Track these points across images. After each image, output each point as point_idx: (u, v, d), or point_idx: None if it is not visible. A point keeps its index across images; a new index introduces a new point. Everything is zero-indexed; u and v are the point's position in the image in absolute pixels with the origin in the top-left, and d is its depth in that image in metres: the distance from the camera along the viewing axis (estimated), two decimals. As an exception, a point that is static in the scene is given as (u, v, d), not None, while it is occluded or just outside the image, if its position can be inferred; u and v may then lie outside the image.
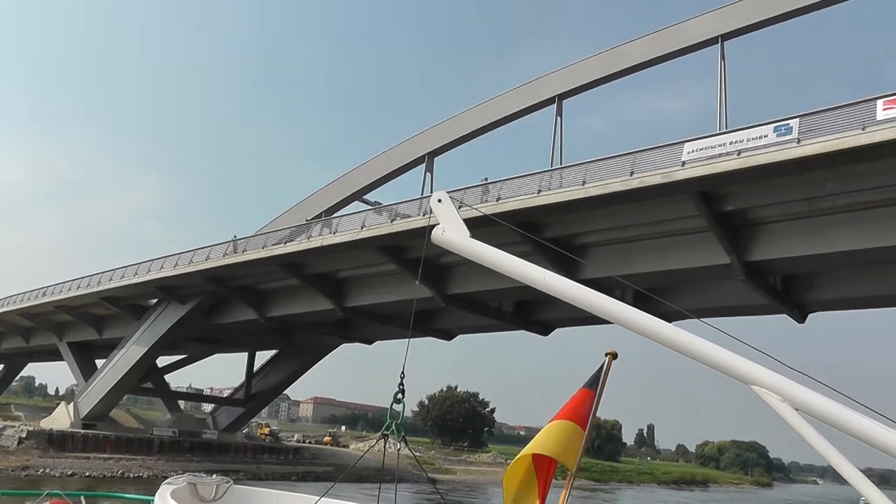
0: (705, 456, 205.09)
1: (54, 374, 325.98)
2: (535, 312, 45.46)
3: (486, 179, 36.33)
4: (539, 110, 41.17)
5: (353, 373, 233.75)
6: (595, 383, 5.33)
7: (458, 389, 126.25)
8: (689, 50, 36.06)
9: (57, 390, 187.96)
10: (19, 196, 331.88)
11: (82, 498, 9.20)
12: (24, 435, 58.66)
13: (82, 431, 61.64)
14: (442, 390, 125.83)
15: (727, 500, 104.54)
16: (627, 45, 38.47)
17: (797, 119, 26.02)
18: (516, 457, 5.31)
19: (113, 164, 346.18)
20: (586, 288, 4.82)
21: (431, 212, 5.44)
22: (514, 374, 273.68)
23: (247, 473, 59.98)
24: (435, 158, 43.97)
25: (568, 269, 29.21)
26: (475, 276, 38.45)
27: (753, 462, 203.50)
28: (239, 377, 73.85)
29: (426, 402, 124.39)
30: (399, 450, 5.59)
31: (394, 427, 5.20)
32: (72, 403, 66.03)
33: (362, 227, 38.97)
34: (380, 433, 5.40)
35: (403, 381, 5.11)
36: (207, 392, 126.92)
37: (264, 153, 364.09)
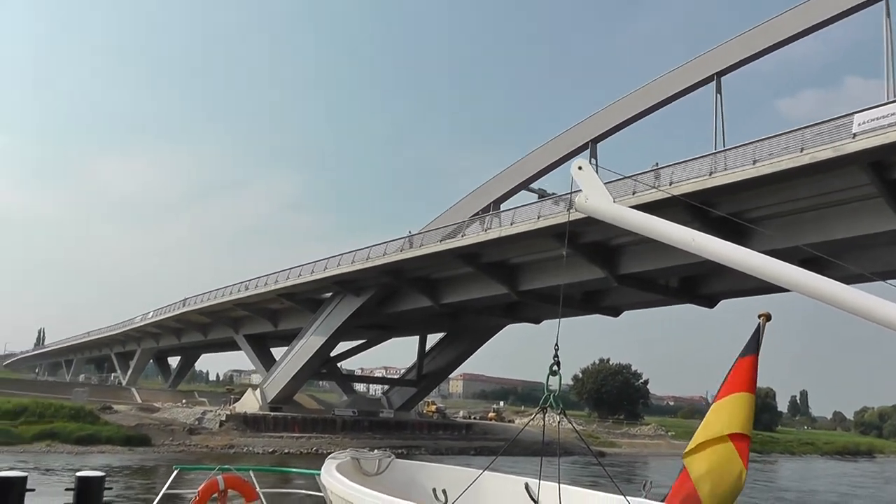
0: (866, 423, 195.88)
1: (210, 363, 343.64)
2: (701, 286, 46.84)
3: (657, 164, 38.05)
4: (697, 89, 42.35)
5: (499, 349, 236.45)
6: (755, 348, 5.13)
7: (610, 362, 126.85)
8: (850, 12, 35.98)
9: (218, 376, 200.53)
10: (155, 201, 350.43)
11: (251, 472, 9.49)
12: (223, 418, 64.82)
13: (272, 414, 67.25)
14: (594, 363, 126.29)
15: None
16: (779, 17, 38.91)
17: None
18: (710, 438, 5.03)
19: (242, 164, 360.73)
20: (737, 246, 4.72)
21: (572, 180, 5.24)
22: (658, 345, 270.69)
23: (427, 449, 64.15)
24: (598, 144, 45.72)
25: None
26: (647, 255, 40.44)
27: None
28: (387, 359, 77.72)
29: (580, 375, 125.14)
30: (559, 423, 5.41)
31: (551, 400, 5.12)
32: (258, 389, 71.46)
33: (539, 217, 41.26)
34: (538, 407, 5.36)
35: (558, 354, 5.00)
36: (358, 373, 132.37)
37: (402, 140, 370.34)
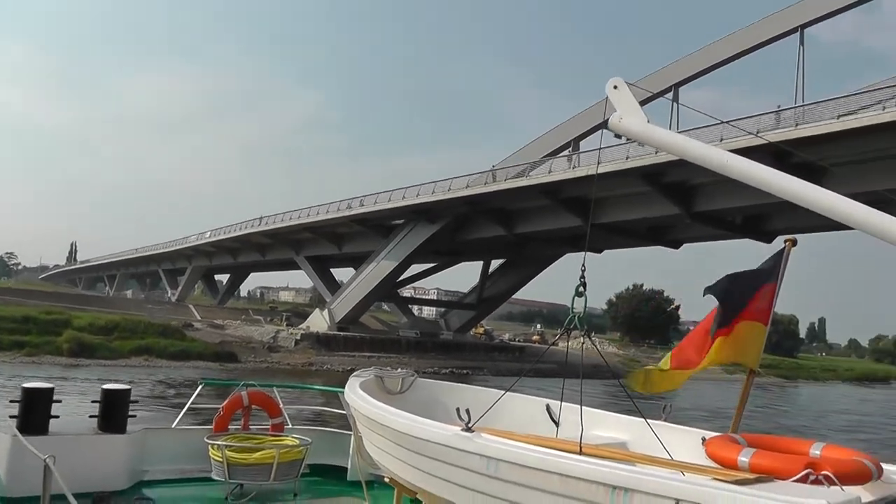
0: (880, 350, 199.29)
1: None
2: (764, 223, 49.87)
3: (780, 106, 41.86)
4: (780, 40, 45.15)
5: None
6: (773, 275, 5.12)
7: (644, 287, 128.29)
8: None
9: (249, 293, 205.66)
10: (172, 118, 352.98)
11: (275, 389, 9.65)
12: (298, 337, 69.11)
13: (342, 334, 71.67)
14: (628, 288, 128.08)
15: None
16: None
17: None
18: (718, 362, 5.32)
19: (267, 81, 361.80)
20: (771, 169, 4.46)
21: (607, 99, 5.11)
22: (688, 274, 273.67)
23: (491, 370, 67.97)
24: (680, 89, 48.58)
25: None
26: (721, 194, 43.76)
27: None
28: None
29: (614, 300, 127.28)
30: (583, 345, 5.12)
31: (576, 321, 4.86)
32: (326, 310, 75.49)
33: (627, 158, 44.22)
34: (562, 328, 5.09)
35: (584, 274, 4.78)
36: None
37: (423, 60, 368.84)
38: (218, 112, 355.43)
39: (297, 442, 8.26)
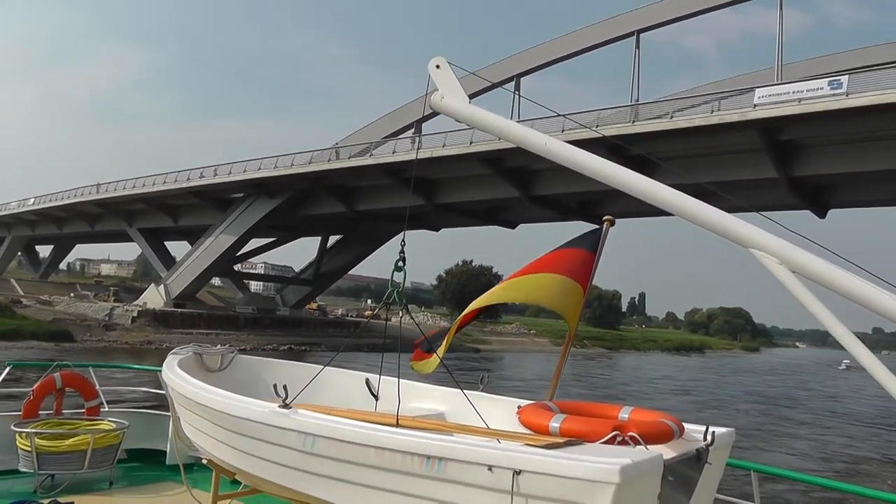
0: (695, 323, 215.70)
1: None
2: (597, 208, 52.68)
3: (637, 100, 44.58)
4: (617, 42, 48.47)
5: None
6: (593, 246, 5.16)
7: (474, 264, 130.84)
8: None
9: (68, 266, 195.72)
10: None
11: (91, 369, 9.10)
12: (135, 314, 67.42)
13: (180, 310, 70.25)
14: (458, 265, 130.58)
15: (735, 365, 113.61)
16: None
17: (847, 76, 34.12)
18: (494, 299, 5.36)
19: (80, 35, 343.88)
20: (591, 154, 4.43)
21: (430, 78, 4.94)
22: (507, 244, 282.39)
23: (327, 346, 67.97)
24: (522, 79, 51.18)
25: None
26: (558, 180, 46.11)
27: (741, 328, 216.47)
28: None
29: (444, 275, 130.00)
30: (402, 318, 5.16)
31: (395, 295, 4.83)
32: (162, 285, 73.69)
33: (471, 143, 46.08)
34: (381, 302, 5.05)
35: (404, 250, 4.83)
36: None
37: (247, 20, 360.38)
38: (32, 66, 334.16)
39: (114, 426, 7.72)
